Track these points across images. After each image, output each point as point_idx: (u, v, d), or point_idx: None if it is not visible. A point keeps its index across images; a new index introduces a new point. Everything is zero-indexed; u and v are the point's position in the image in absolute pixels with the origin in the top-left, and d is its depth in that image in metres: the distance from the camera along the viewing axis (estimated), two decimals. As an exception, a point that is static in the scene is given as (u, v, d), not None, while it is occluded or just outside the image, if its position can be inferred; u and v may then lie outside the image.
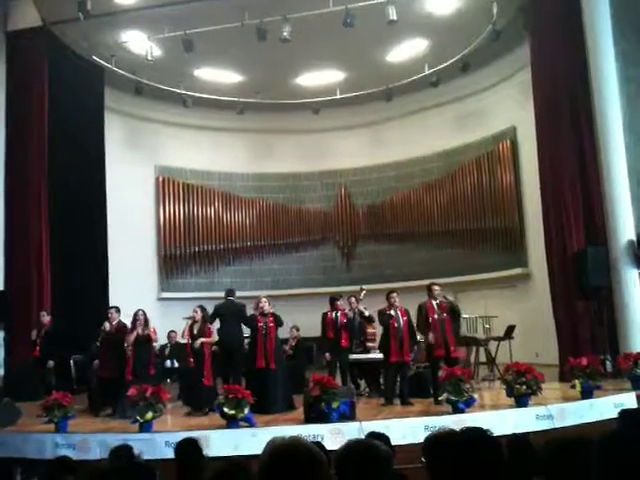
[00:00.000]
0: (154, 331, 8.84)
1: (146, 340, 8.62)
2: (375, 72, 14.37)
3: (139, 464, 3.52)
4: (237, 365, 9.22)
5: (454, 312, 8.68)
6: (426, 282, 14.39)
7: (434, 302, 8.53)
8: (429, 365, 8.86)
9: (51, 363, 9.99)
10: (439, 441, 2.82)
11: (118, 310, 9.25)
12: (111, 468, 2.50)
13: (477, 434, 2.56)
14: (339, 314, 9.50)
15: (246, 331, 9.24)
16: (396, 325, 8.49)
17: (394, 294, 8.72)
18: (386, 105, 15.22)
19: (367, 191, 17.10)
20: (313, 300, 12.97)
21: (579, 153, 10.40)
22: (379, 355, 9.06)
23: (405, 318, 8.58)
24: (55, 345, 10.12)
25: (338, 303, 9.60)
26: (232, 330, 9.29)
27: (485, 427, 2.67)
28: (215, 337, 9.21)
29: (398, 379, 8.65)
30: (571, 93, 10.54)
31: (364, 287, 10.43)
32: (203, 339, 8.56)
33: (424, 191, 16.29)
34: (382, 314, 8.70)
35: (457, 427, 3.07)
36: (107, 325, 9.01)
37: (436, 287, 8.65)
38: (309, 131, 16.74)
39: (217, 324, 9.52)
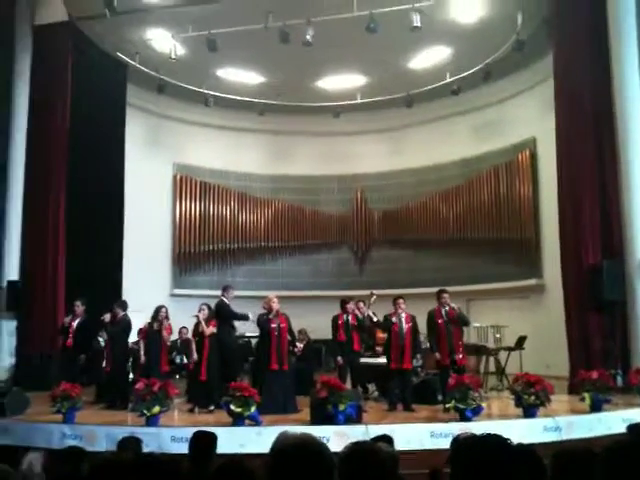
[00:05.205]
0: (170, 328, 8.88)
1: (159, 336, 8.69)
2: (396, 78, 14.36)
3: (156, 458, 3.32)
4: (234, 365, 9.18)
5: (462, 321, 8.69)
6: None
7: (443, 309, 8.55)
8: (438, 373, 8.85)
9: (82, 357, 9.88)
10: (466, 445, 2.81)
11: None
12: (130, 462, 2.44)
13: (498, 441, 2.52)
14: (350, 317, 9.50)
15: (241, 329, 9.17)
16: (397, 331, 8.47)
17: (400, 300, 8.67)
18: (406, 111, 15.20)
19: (384, 196, 17.08)
20: (324, 303, 12.92)
21: (599, 167, 10.31)
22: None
23: (409, 325, 8.52)
24: (87, 337, 10.07)
25: (348, 306, 9.61)
26: (226, 329, 9.07)
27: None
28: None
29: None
30: (594, 107, 10.44)
31: (374, 292, 10.37)
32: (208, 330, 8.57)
33: (441, 199, 16.25)
34: (386, 319, 8.72)
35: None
36: (107, 317, 9.12)
37: (445, 295, 8.65)
38: (328, 134, 16.76)
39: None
